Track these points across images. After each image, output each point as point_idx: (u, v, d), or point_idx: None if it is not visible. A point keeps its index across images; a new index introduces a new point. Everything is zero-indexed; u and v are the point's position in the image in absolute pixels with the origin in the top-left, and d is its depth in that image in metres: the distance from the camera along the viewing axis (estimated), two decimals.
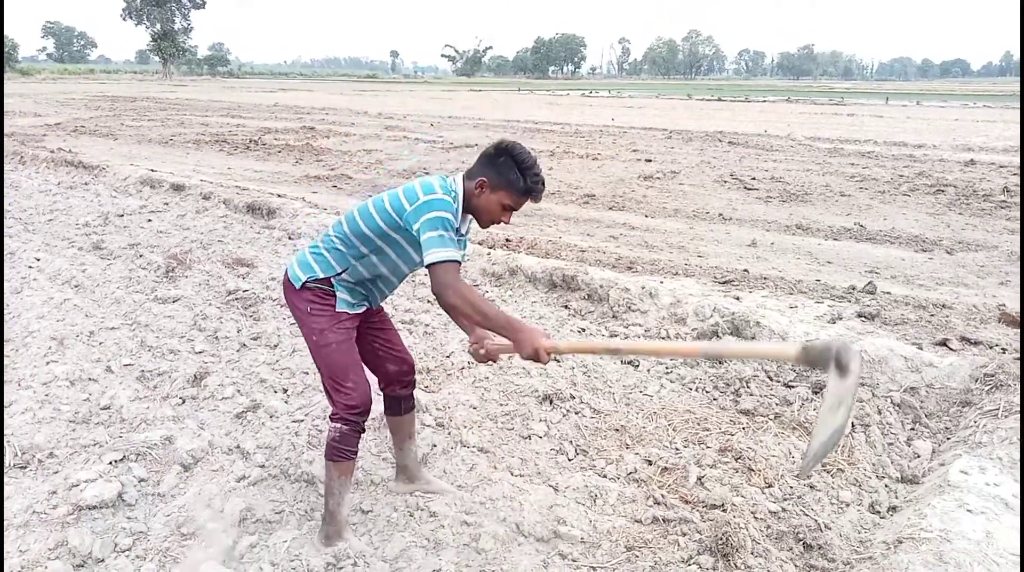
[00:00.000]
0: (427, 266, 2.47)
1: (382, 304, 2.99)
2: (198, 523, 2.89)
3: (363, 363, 2.82)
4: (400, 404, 3.08)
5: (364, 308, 2.83)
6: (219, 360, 4.51)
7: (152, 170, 11.02)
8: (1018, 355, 4.20)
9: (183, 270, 6.24)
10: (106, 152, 13.92)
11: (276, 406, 3.86)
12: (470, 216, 2.72)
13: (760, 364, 4.41)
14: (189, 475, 3.28)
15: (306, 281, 2.70)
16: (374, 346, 2.95)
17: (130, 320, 5.15)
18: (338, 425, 2.70)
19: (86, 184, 10.62)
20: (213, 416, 3.80)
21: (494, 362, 2.85)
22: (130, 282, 6.01)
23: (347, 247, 2.68)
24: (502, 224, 2.71)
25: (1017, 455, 3.13)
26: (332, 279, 2.70)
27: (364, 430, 2.78)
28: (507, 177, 2.57)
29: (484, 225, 2.71)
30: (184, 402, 3.98)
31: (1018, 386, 3.75)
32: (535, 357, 2.45)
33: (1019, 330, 4.72)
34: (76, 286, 5.90)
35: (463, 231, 2.70)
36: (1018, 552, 2.51)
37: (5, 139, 13.98)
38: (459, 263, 2.49)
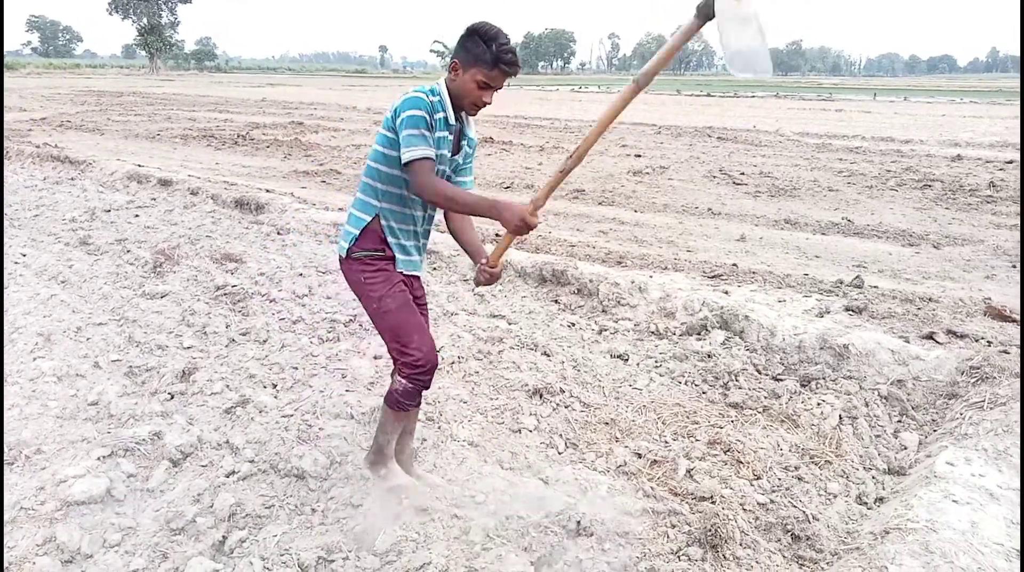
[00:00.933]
0: (403, 166, 2.58)
1: (423, 293, 3.06)
2: (187, 518, 2.88)
3: None
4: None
5: (410, 269, 2.87)
6: (208, 356, 4.49)
7: (139, 165, 10.94)
8: (1003, 348, 4.24)
9: (171, 266, 6.21)
10: (92, 147, 13.80)
11: (265, 401, 3.85)
12: (464, 114, 2.78)
13: (749, 358, 4.44)
14: (178, 470, 3.27)
15: (350, 249, 2.78)
16: None
17: (118, 316, 5.12)
18: (403, 381, 2.81)
19: (72, 179, 10.54)
20: (202, 412, 3.79)
21: (498, 274, 2.84)
22: (117, 278, 5.97)
23: (370, 194, 2.76)
24: (487, 105, 2.71)
25: (1002, 446, 3.17)
26: (375, 233, 2.75)
27: (428, 386, 2.87)
28: (474, 52, 2.60)
29: (470, 110, 2.74)
30: (172, 398, 3.96)
31: (1003, 378, 3.78)
32: (525, 225, 2.50)
33: (1009, 323, 4.77)
34: (63, 282, 5.86)
35: (450, 121, 2.71)
36: (1003, 542, 2.54)
37: None
38: (431, 160, 2.56)
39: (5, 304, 5.25)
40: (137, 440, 3.41)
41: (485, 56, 2.60)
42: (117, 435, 3.47)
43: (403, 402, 2.87)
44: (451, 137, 2.75)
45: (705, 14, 2.28)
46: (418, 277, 3.00)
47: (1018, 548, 2.52)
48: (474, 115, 2.81)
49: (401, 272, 2.84)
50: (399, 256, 2.82)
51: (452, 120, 2.71)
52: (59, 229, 7.54)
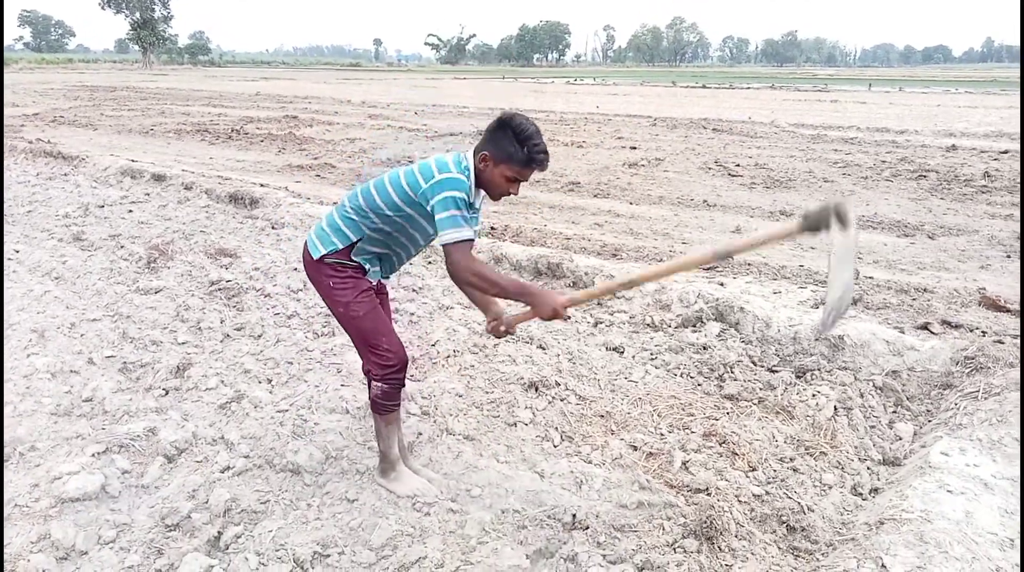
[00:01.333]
0: (442, 246, 2.57)
1: (388, 287, 3.11)
2: (182, 514, 2.88)
3: None
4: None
5: (378, 278, 2.92)
6: (202, 351, 4.48)
7: (133, 160, 10.90)
8: (998, 338, 4.25)
9: (165, 261, 6.19)
10: (86, 142, 13.74)
11: (260, 396, 3.84)
12: (482, 191, 2.76)
13: (745, 349, 4.44)
14: (173, 466, 3.27)
15: (325, 254, 2.78)
16: None
17: (112, 311, 5.11)
18: (380, 384, 2.86)
19: (65, 175, 10.49)
20: (197, 407, 3.78)
21: (512, 334, 2.98)
22: (111, 273, 5.95)
23: (362, 218, 2.75)
24: (511, 195, 2.75)
25: (996, 436, 3.17)
26: (350, 250, 2.78)
27: (404, 384, 2.93)
28: (507, 150, 2.61)
29: (495, 198, 2.76)
30: (167, 393, 3.95)
31: (998, 368, 3.79)
32: (556, 316, 2.63)
33: (1003, 313, 4.78)
34: (56, 278, 5.84)
35: (476, 205, 2.75)
36: (996, 531, 2.55)
37: None
38: (472, 242, 2.58)
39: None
40: (132, 436, 3.41)
41: (518, 155, 2.61)
42: (112, 431, 3.46)
43: (387, 404, 2.92)
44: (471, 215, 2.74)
45: (810, 227, 2.20)
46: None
47: (1012, 538, 2.53)
48: (495, 201, 2.83)
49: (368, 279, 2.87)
50: (369, 267, 2.86)
51: (478, 205, 2.75)
52: (52, 225, 7.51)
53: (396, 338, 2.88)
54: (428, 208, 2.60)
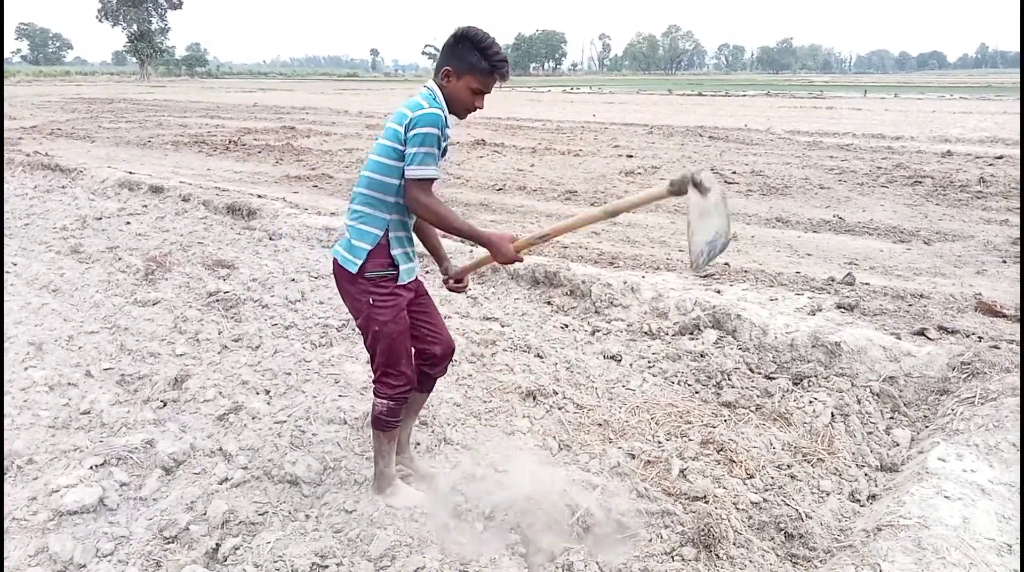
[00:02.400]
0: (406, 178, 2.61)
1: (424, 283, 3.10)
2: (180, 526, 2.88)
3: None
4: (428, 382, 3.16)
5: (415, 269, 2.92)
6: (200, 362, 4.48)
7: (130, 172, 10.91)
8: (994, 343, 4.26)
9: (163, 273, 6.20)
10: (83, 155, 13.76)
11: (258, 407, 3.84)
12: (450, 132, 2.77)
13: (742, 356, 4.45)
14: (171, 478, 3.27)
15: (363, 265, 2.73)
16: (421, 330, 3.01)
17: (109, 324, 5.11)
18: (385, 401, 2.89)
19: (63, 187, 10.51)
20: (195, 419, 3.78)
21: (465, 286, 3.13)
22: (109, 285, 5.96)
23: (375, 207, 2.73)
24: (478, 110, 2.76)
25: (993, 441, 3.18)
26: (387, 247, 2.74)
27: (408, 400, 2.98)
28: (468, 61, 2.63)
29: (461, 115, 2.75)
30: (165, 405, 3.95)
31: (994, 374, 3.80)
32: (514, 260, 2.74)
33: (999, 319, 4.79)
34: (54, 290, 5.84)
35: (449, 134, 2.76)
36: (994, 536, 2.55)
37: None
38: (433, 180, 2.63)
39: None
40: (130, 448, 3.40)
41: (480, 64, 2.62)
42: (109, 444, 3.46)
43: (390, 421, 2.93)
44: (446, 144, 2.77)
45: (675, 192, 2.53)
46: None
47: (1009, 543, 2.53)
48: (463, 119, 2.80)
49: (406, 285, 2.85)
50: (403, 266, 2.80)
51: (449, 129, 2.74)
52: (50, 237, 7.51)
53: (411, 363, 2.92)
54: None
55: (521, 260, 2.77)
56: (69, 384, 4.17)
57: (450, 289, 3.15)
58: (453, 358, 3.23)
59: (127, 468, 3.30)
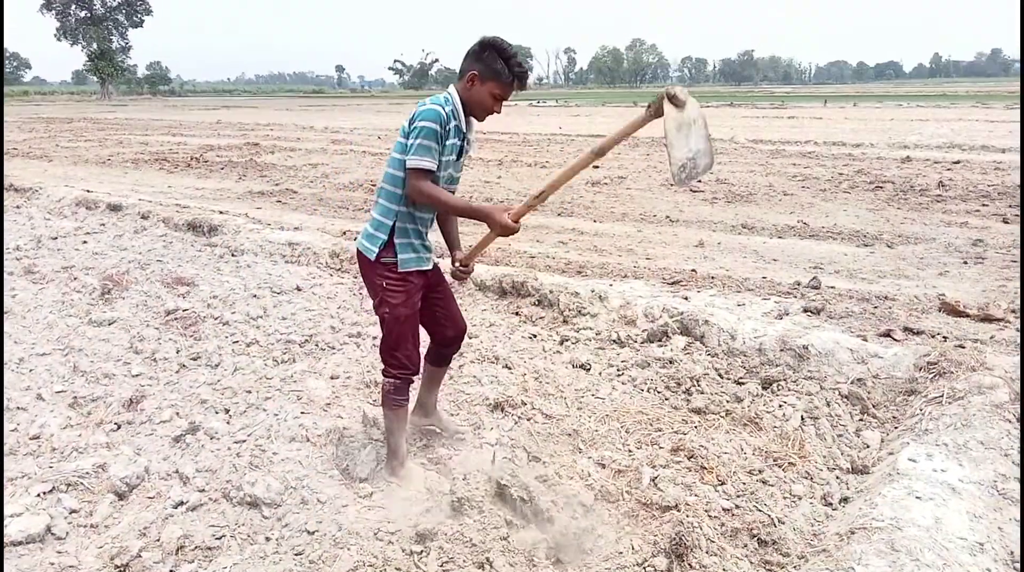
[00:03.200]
0: (407, 168, 2.86)
1: (442, 271, 3.37)
2: (132, 553, 2.74)
3: (424, 325, 3.29)
4: (444, 359, 3.54)
5: (429, 261, 3.16)
6: (157, 382, 4.34)
7: (88, 191, 10.67)
8: (959, 342, 4.28)
9: (120, 292, 6.02)
10: (40, 174, 13.43)
11: (217, 427, 3.71)
12: (472, 119, 3.02)
13: (711, 362, 4.42)
14: (124, 503, 3.13)
15: (379, 253, 3.01)
16: (436, 314, 3.32)
17: (63, 345, 4.94)
18: (392, 380, 3.15)
19: (18, 207, 10.23)
20: (150, 441, 3.64)
21: (471, 271, 3.30)
22: (63, 306, 5.77)
23: (388, 199, 3.00)
24: (496, 114, 3.02)
25: (962, 440, 3.18)
26: (394, 238, 3.00)
27: (413, 381, 3.23)
28: (493, 68, 2.87)
29: (480, 118, 3.00)
30: (119, 428, 3.80)
31: (960, 373, 3.81)
32: (511, 231, 2.92)
33: (963, 318, 4.83)
34: (5, 312, 5.64)
35: (470, 137, 3.05)
36: (966, 536, 2.53)
37: None
38: (431, 171, 2.86)
39: None
40: (80, 473, 3.26)
41: (504, 72, 2.87)
42: (59, 469, 3.31)
43: (398, 398, 3.17)
44: (460, 143, 2.99)
45: (653, 113, 2.61)
46: (434, 267, 3.26)
47: (981, 542, 2.51)
48: (480, 119, 3.03)
49: (418, 271, 3.08)
50: (401, 255, 3.01)
51: (463, 128, 2.98)
52: (3, 260, 7.27)
53: (417, 346, 3.17)
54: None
55: (518, 229, 2.94)
56: (18, 408, 4.00)
57: (455, 276, 3.32)
58: (465, 338, 3.55)
59: (77, 494, 3.16)
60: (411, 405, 3.42)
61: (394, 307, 3.04)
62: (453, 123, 2.90)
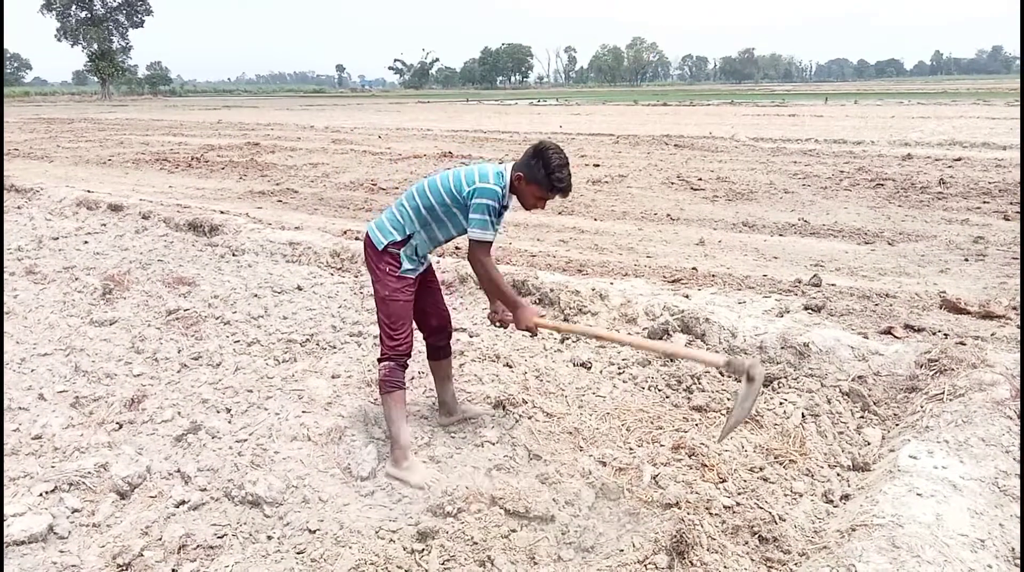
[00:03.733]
0: (470, 240, 3.20)
1: (433, 265, 3.73)
2: (134, 552, 2.75)
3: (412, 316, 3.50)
4: (440, 351, 3.74)
5: (423, 267, 3.45)
6: (158, 382, 4.34)
7: (89, 191, 10.67)
8: (960, 340, 4.28)
9: (121, 292, 6.03)
10: (41, 175, 13.44)
11: (218, 426, 3.72)
12: (514, 196, 3.32)
13: None
14: (126, 503, 3.14)
15: (388, 244, 3.30)
16: (424, 304, 3.57)
17: (64, 345, 4.95)
18: (388, 363, 3.36)
19: (19, 208, 10.25)
20: (151, 440, 3.65)
21: (505, 327, 3.60)
22: (64, 306, 5.78)
23: (415, 214, 3.30)
24: (536, 211, 3.41)
25: (962, 437, 3.17)
26: (401, 250, 3.31)
27: (407, 365, 3.43)
28: (536, 175, 3.17)
29: (527, 208, 3.34)
30: (121, 427, 3.81)
31: (961, 370, 3.81)
32: (528, 329, 3.32)
33: (964, 315, 4.82)
34: (7, 313, 5.65)
35: (508, 206, 3.30)
36: (967, 532, 2.53)
37: None
38: (491, 244, 3.23)
39: None
40: (82, 473, 3.27)
41: (545, 183, 3.17)
42: (61, 469, 3.32)
43: (393, 381, 3.35)
44: (502, 212, 3.27)
45: (731, 371, 3.06)
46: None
47: (982, 538, 2.51)
48: (527, 210, 3.38)
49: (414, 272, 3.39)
50: (407, 266, 3.34)
51: (507, 204, 3.28)
52: (3, 259, 7.29)
53: (411, 330, 3.41)
54: (467, 207, 3.18)
55: (534, 333, 3.43)
56: (20, 408, 4.01)
57: (491, 321, 3.64)
58: (451, 330, 3.77)
59: (79, 493, 3.17)
60: (417, 409, 3.42)
61: (392, 291, 3.33)
62: (505, 201, 3.25)
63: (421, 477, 3.23)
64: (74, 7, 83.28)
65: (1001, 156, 13.71)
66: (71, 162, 16.11)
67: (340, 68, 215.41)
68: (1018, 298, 5.13)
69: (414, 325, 3.52)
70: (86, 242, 8.01)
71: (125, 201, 9.70)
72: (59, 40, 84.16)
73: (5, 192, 11.26)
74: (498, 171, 3.23)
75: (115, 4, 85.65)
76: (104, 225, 8.88)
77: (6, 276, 6.67)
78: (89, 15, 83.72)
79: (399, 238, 3.30)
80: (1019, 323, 4.64)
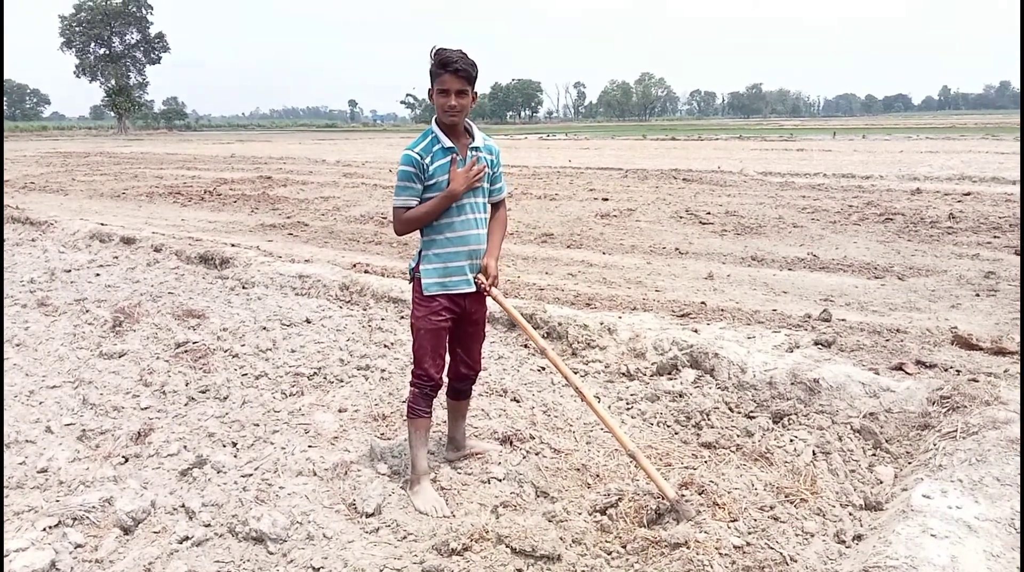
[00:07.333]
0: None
1: (488, 312, 3.82)
2: None
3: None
4: (459, 394, 3.71)
5: (454, 287, 3.32)
6: (165, 415, 4.34)
7: (102, 224, 10.80)
8: (972, 376, 4.23)
9: (131, 324, 6.06)
10: (56, 207, 13.62)
11: (224, 461, 3.70)
12: (480, 142, 3.30)
13: (721, 396, 4.39)
14: (129, 538, 3.11)
15: (412, 269, 3.39)
16: (456, 350, 3.56)
17: (73, 377, 4.96)
18: (413, 389, 3.40)
19: (33, 240, 10.36)
20: (156, 474, 3.63)
21: (495, 276, 3.39)
22: (74, 338, 5.81)
23: (421, 233, 3.34)
24: (454, 108, 3.11)
25: (977, 476, 3.12)
26: (422, 268, 3.31)
27: (435, 395, 3.43)
28: (430, 72, 3.12)
29: (446, 120, 3.17)
30: (127, 461, 3.79)
31: (974, 407, 3.76)
32: (463, 184, 3.18)
33: (976, 351, 4.78)
34: (17, 345, 5.68)
35: (477, 143, 3.28)
36: None
37: None
38: (403, 209, 3.22)
39: None
40: (86, 507, 3.25)
41: (432, 69, 3.10)
42: (65, 503, 3.30)
43: (416, 408, 3.38)
44: (448, 159, 3.19)
45: (679, 513, 3.08)
46: (472, 294, 3.39)
47: None
48: (451, 123, 3.18)
49: (446, 295, 3.31)
50: (427, 280, 3.29)
51: (448, 144, 3.20)
52: (16, 291, 7.35)
53: (439, 363, 3.39)
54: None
55: (471, 180, 3.21)
56: (27, 441, 4.01)
57: (485, 285, 3.38)
58: (475, 379, 3.73)
59: (83, 528, 3.15)
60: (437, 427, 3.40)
61: (418, 319, 3.35)
62: (437, 146, 3.18)
63: (423, 502, 3.29)
64: (93, 44, 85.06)
65: (1011, 191, 13.69)
66: (86, 195, 16.32)
67: (352, 103, 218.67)
68: None
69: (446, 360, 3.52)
70: (98, 274, 8.07)
71: (138, 234, 9.79)
72: (78, 76, 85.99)
73: (20, 225, 11.40)
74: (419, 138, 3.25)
75: (133, 42, 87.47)
76: (116, 258, 8.96)
77: (18, 308, 6.71)
78: (108, 52, 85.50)
79: (416, 259, 3.37)
80: (1020, 357, 4.59)
